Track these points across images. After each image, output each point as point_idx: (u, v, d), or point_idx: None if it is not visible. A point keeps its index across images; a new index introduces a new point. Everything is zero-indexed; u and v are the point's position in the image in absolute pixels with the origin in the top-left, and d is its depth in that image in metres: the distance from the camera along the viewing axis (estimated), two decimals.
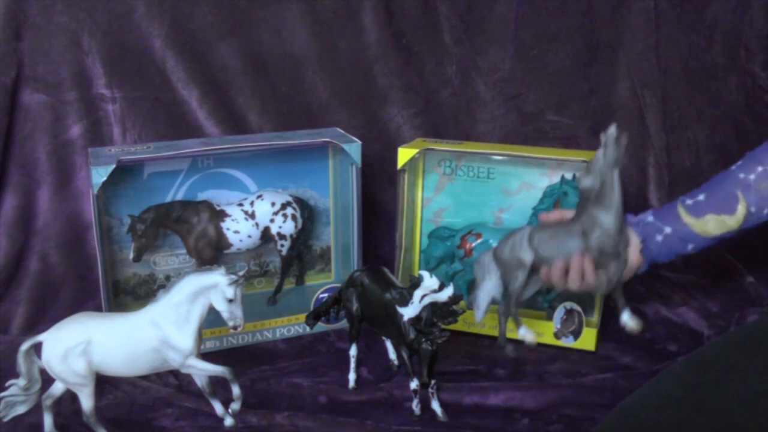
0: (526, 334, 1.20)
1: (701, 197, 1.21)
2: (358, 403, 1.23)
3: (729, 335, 1.14)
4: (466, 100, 1.75)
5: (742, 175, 1.20)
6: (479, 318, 1.24)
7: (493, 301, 1.24)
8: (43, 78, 1.52)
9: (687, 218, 1.21)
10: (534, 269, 1.19)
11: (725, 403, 0.90)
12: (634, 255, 1.21)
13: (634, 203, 1.76)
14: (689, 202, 1.22)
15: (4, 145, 1.52)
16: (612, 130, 1.09)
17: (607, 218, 1.10)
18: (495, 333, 1.42)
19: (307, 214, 1.46)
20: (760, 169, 1.19)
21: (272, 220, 1.42)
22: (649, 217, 1.24)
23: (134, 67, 1.56)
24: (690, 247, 1.23)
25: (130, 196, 1.35)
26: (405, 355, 1.18)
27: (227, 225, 1.39)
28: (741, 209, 1.18)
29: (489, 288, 1.23)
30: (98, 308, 1.36)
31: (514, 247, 1.19)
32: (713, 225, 1.19)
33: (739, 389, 0.92)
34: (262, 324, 1.43)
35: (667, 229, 1.22)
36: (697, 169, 1.77)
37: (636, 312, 1.50)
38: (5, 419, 1.12)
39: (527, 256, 1.18)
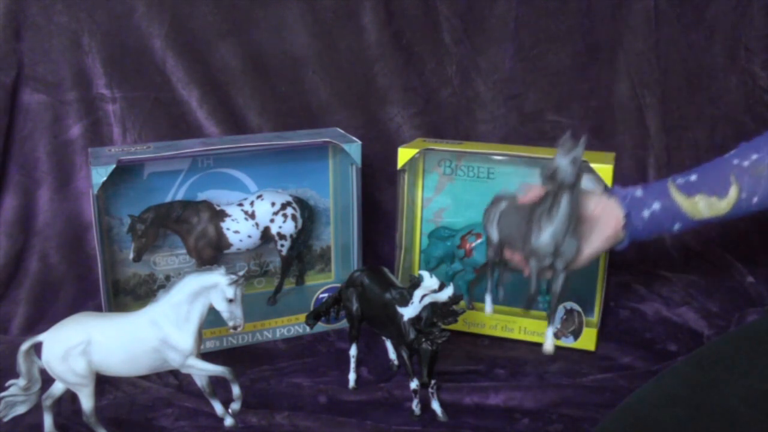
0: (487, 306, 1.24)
1: (693, 177, 1.18)
2: (358, 403, 1.23)
3: (730, 334, 1.14)
4: (466, 100, 1.75)
5: (736, 161, 1.17)
6: None
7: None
8: (43, 78, 1.52)
9: (677, 196, 1.17)
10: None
11: (726, 401, 0.91)
12: (612, 229, 1.15)
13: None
14: (680, 180, 1.18)
15: (4, 145, 1.52)
16: (567, 143, 1.03)
17: (537, 238, 1.06)
18: (495, 333, 1.43)
19: (307, 214, 1.46)
20: (754, 156, 1.17)
21: (272, 220, 1.42)
22: (638, 192, 1.18)
23: (134, 67, 1.56)
24: (677, 226, 1.17)
25: (130, 196, 1.35)
26: (405, 355, 1.18)
27: (227, 225, 1.39)
28: (733, 193, 1.16)
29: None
30: (98, 308, 1.36)
31: (489, 220, 1.17)
32: (703, 206, 1.15)
33: (740, 388, 0.92)
34: (262, 324, 1.43)
35: (656, 205, 1.16)
36: None
37: (636, 312, 1.52)
38: (5, 419, 1.12)
39: (494, 235, 1.17)
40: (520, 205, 1.13)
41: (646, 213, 1.16)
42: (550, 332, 1.11)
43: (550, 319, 1.11)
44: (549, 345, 1.10)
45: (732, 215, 1.17)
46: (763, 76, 1.76)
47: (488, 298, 1.25)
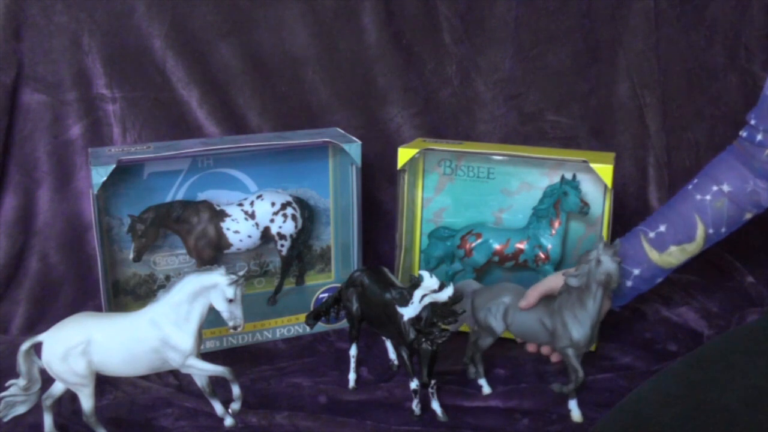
0: (483, 385, 1.27)
1: (662, 228, 1.24)
2: (358, 403, 1.23)
3: (729, 334, 1.15)
4: (466, 100, 1.75)
5: (698, 197, 1.23)
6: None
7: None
8: (43, 78, 1.52)
9: (652, 254, 1.24)
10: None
11: (726, 400, 0.91)
12: (607, 306, 1.24)
13: (634, 203, 1.76)
14: (652, 234, 1.24)
15: (4, 145, 1.52)
16: (601, 248, 1.11)
17: (579, 331, 1.15)
18: None
19: (307, 214, 1.46)
20: (714, 188, 1.22)
21: (272, 220, 1.42)
22: None
23: (134, 67, 1.56)
24: (658, 280, 1.28)
25: (130, 196, 1.35)
26: (405, 355, 1.18)
27: (227, 225, 1.39)
28: (700, 233, 1.22)
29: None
30: (98, 308, 1.36)
31: (489, 315, 1.23)
32: (677, 256, 1.24)
33: (739, 387, 0.92)
34: (262, 324, 1.43)
35: (636, 271, 1.25)
36: (697, 169, 1.76)
37: (636, 312, 1.52)
38: (5, 419, 1.13)
39: (499, 328, 1.23)
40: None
41: (629, 283, 1.27)
42: (574, 403, 1.18)
43: (572, 394, 1.18)
44: (577, 415, 1.18)
45: (706, 248, 1.23)
46: (763, 76, 1.76)
47: (483, 382, 1.27)
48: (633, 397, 0.96)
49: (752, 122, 1.22)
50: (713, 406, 0.90)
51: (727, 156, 1.26)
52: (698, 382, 0.95)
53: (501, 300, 1.23)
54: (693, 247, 1.23)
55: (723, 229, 1.23)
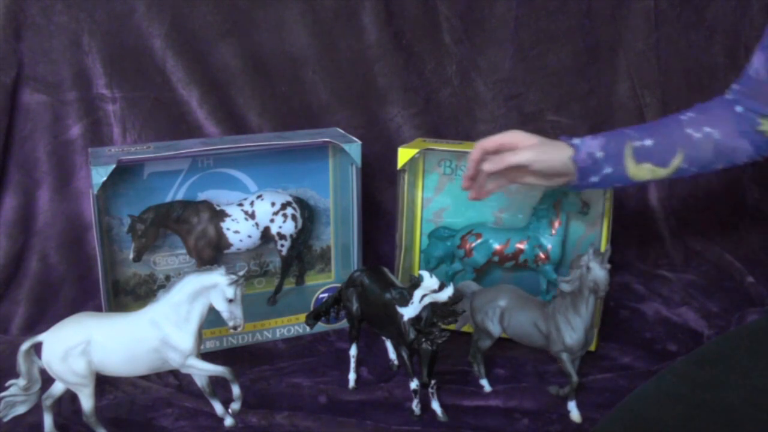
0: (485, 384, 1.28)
1: (648, 142, 1.18)
2: (358, 403, 1.23)
3: (731, 333, 1.14)
4: (466, 100, 1.75)
5: (689, 131, 1.19)
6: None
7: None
8: (43, 78, 1.52)
9: (629, 162, 1.18)
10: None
11: (726, 400, 0.91)
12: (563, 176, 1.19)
13: (634, 203, 1.76)
14: (637, 144, 1.18)
15: (4, 145, 1.52)
16: (591, 254, 1.11)
17: (573, 336, 1.15)
18: None
19: (307, 214, 1.46)
20: (707, 129, 1.19)
21: (272, 220, 1.42)
22: (598, 152, 1.18)
23: (134, 67, 1.56)
24: (617, 185, 1.21)
25: (130, 196, 1.35)
26: (405, 355, 1.18)
27: (227, 225, 1.39)
28: (675, 163, 1.18)
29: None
30: (98, 308, 1.36)
31: (486, 318, 1.24)
32: (646, 172, 1.18)
33: (741, 387, 0.92)
34: (262, 324, 1.43)
35: (608, 170, 1.18)
36: None
37: (636, 312, 1.52)
38: (5, 419, 1.13)
39: (496, 331, 1.24)
40: (523, 302, 1.22)
41: (595, 179, 1.18)
42: (573, 405, 1.19)
43: (570, 396, 1.19)
44: (576, 415, 1.18)
45: (666, 179, 1.21)
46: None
47: (485, 382, 1.28)
48: (633, 397, 0.96)
49: (730, 96, 1.22)
50: (714, 406, 0.90)
51: (724, 104, 1.23)
52: (699, 382, 0.95)
53: (497, 303, 1.23)
54: (663, 173, 1.19)
55: (694, 169, 1.21)
